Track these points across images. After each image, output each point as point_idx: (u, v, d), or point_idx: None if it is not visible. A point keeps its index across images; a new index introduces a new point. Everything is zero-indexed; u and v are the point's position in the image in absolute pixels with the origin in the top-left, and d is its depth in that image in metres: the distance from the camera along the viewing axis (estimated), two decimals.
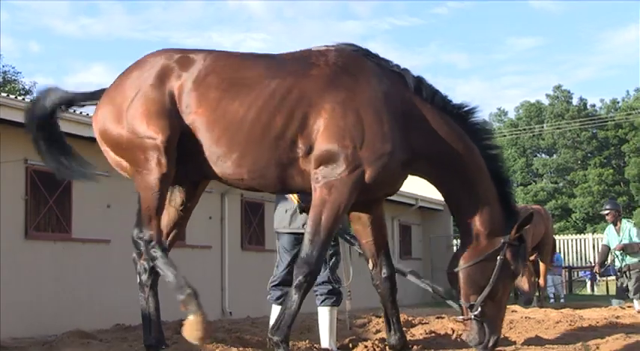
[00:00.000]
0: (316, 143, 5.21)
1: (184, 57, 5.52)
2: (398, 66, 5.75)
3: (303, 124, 5.23)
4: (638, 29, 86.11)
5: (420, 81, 5.69)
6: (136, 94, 5.41)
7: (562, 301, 16.23)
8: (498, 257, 5.66)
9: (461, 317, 5.90)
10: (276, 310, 6.83)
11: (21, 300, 10.52)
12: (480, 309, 5.62)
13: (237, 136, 5.25)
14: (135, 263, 5.58)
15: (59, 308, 10.93)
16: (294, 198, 6.73)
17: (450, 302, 6.59)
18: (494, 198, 5.78)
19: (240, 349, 5.53)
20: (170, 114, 5.30)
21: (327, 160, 5.18)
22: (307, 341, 6.34)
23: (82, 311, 11.02)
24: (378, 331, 7.87)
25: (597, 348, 6.17)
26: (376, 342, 6.41)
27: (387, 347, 6.27)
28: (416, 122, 5.52)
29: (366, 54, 5.68)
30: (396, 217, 21.74)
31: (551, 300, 17.74)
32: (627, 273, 14.09)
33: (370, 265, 5.84)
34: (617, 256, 14.40)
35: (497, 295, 5.75)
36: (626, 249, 14.22)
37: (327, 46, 5.69)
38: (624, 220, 15.05)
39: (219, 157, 5.29)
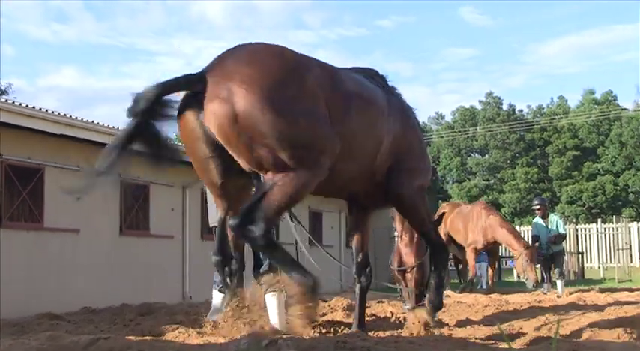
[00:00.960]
0: (404, 163, 5.75)
1: (318, 62, 4.93)
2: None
3: (395, 148, 5.60)
4: (557, 44, 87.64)
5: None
6: (299, 90, 4.50)
7: (484, 287, 16.52)
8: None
9: (410, 304, 6.76)
10: (217, 295, 6.84)
11: None
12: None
13: (354, 151, 4.98)
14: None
15: (31, 292, 10.80)
16: None
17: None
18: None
19: (197, 329, 5.52)
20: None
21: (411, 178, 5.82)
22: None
23: (52, 295, 10.89)
24: (324, 314, 7.91)
25: (521, 328, 6.27)
26: (323, 324, 6.45)
27: (332, 328, 6.32)
28: None
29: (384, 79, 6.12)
30: (342, 210, 21.55)
31: (483, 286, 18.04)
32: (553, 260, 14.63)
33: (359, 259, 6.21)
34: (546, 247, 14.84)
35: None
36: (557, 239, 14.79)
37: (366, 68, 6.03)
38: (551, 214, 15.67)
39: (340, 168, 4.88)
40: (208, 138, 4.36)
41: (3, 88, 41.07)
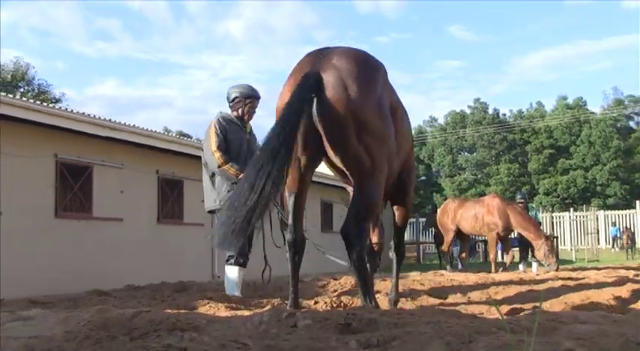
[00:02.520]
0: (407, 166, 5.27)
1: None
2: None
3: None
4: (535, 56, 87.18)
5: None
6: (384, 96, 4.17)
7: (460, 267, 16.39)
8: None
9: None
10: (232, 270, 6.66)
11: (52, 266, 10.42)
12: None
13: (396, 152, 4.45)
14: None
15: (82, 272, 10.84)
16: (231, 170, 6.56)
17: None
18: None
19: (225, 304, 5.51)
20: None
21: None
22: (279, 298, 6.34)
23: (100, 274, 10.94)
24: (335, 291, 7.87)
25: (507, 301, 6.24)
26: (334, 299, 6.41)
27: (342, 303, 6.29)
28: None
29: None
30: (318, 195, 20.04)
31: (459, 267, 17.91)
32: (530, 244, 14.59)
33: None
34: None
35: None
36: None
37: None
38: (530, 206, 15.85)
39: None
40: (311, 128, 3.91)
41: (57, 97, 41.30)
